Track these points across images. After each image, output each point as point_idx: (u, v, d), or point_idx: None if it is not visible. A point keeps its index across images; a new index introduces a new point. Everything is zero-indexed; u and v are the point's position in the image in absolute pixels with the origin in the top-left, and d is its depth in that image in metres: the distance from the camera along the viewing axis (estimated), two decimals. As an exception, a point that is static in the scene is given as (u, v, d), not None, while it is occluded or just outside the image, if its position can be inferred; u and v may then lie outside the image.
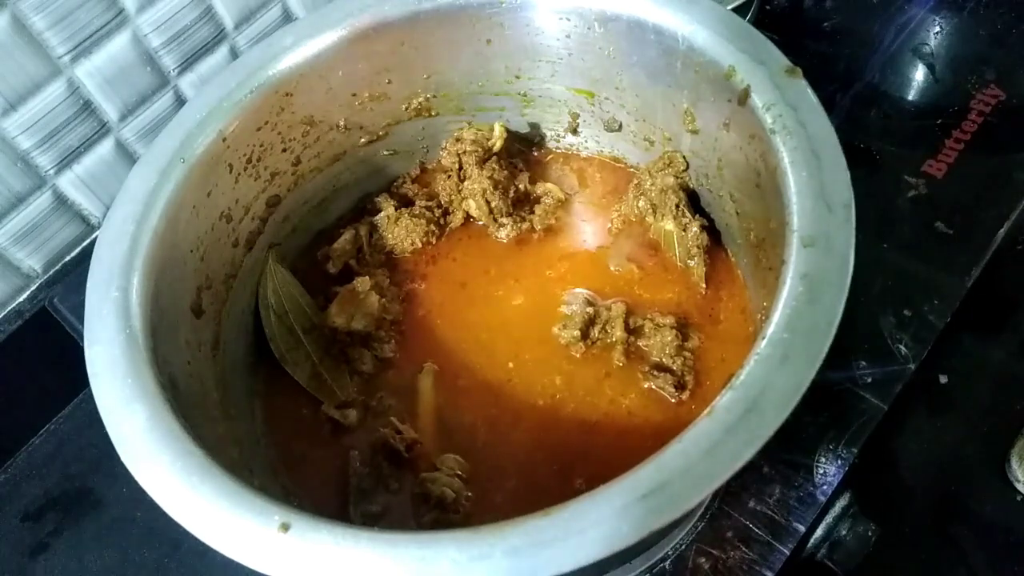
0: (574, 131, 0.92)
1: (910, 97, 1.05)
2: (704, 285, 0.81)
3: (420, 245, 0.88)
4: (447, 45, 0.85)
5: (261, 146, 0.80)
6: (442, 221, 0.90)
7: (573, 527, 0.50)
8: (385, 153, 0.91)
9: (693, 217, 0.81)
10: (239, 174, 0.79)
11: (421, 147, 0.93)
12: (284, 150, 0.83)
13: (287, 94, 0.80)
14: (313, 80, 0.81)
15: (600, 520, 0.50)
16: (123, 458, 0.58)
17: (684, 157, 0.82)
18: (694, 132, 0.80)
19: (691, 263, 0.81)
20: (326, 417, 0.79)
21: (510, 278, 0.86)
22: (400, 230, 0.88)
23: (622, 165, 0.92)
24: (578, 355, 0.79)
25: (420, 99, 0.89)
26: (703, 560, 0.77)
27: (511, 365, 0.80)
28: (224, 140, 0.76)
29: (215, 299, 0.77)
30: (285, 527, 0.52)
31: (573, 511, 0.50)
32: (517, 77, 0.88)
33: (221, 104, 0.77)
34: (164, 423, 0.59)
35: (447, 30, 0.84)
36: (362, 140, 0.89)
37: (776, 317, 0.56)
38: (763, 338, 0.56)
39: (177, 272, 0.72)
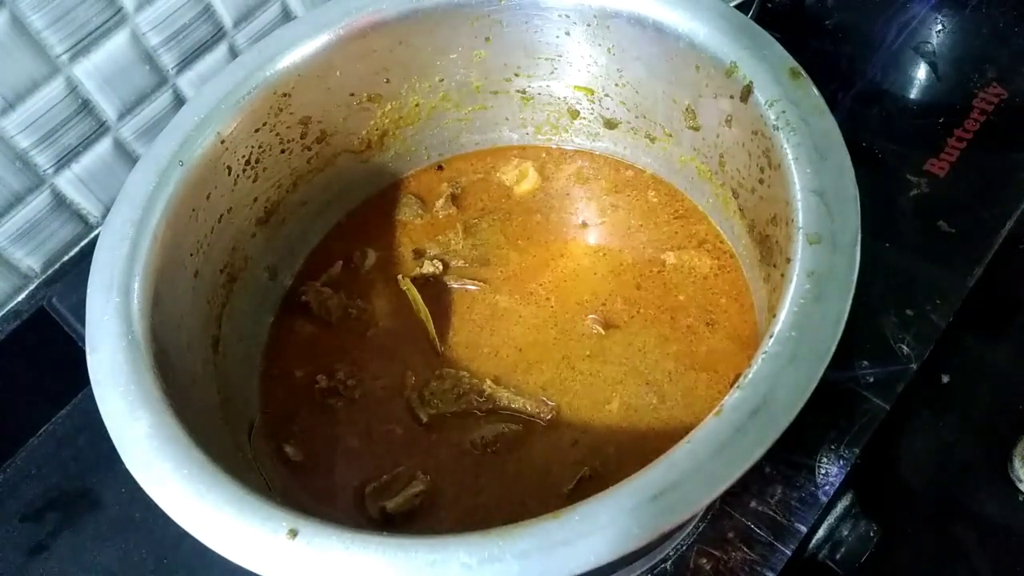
0: (573, 128, 0.92)
1: (912, 96, 1.04)
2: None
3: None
4: (445, 44, 0.85)
5: (259, 147, 0.80)
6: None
7: (584, 529, 0.50)
8: (384, 154, 0.91)
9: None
10: (238, 176, 0.79)
11: (421, 147, 0.93)
12: (283, 151, 0.83)
13: (285, 95, 0.80)
14: (311, 80, 0.81)
15: (611, 522, 0.50)
16: (128, 466, 0.58)
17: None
18: (695, 128, 0.80)
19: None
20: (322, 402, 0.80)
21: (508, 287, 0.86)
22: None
23: (622, 162, 0.91)
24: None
25: (418, 98, 0.88)
26: (704, 561, 0.77)
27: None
28: (222, 142, 0.76)
29: (215, 302, 0.77)
30: (293, 533, 0.52)
31: (584, 513, 0.50)
32: (516, 75, 0.88)
33: (219, 105, 0.76)
34: (168, 429, 0.59)
35: (445, 28, 0.83)
36: (360, 140, 0.88)
37: (783, 315, 0.56)
38: (770, 336, 0.56)
39: (177, 275, 0.72)
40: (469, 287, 0.85)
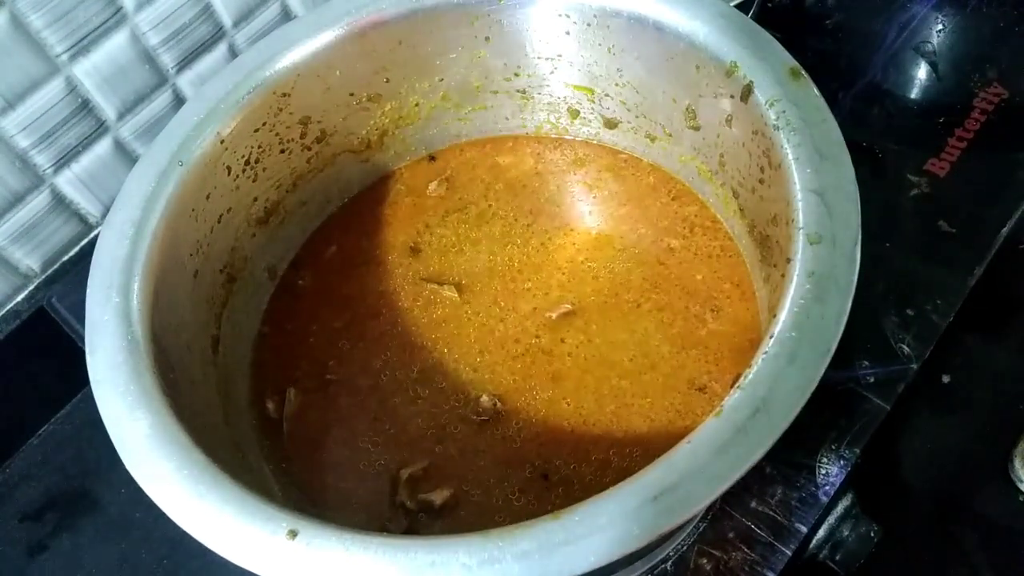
0: (574, 128, 0.92)
1: (912, 95, 1.04)
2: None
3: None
4: (445, 43, 0.85)
5: (259, 147, 0.80)
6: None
7: (584, 530, 0.50)
8: (384, 153, 0.91)
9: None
10: (237, 176, 0.79)
11: (420, 147, 0.93)
12: (282, 151, 0.83)
13: (284, 94, 0.80)
14: (311, 80, 0.81)
15: (611, 523, 0.49)
16: (128, 467, 0.58)
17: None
18: (695, 128, 0.80)
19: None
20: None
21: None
22: None
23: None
24: None
25: (418, 98, 0.88)
26: (704, 561, 0.77)
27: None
28: (222, 142, 0.76)
29: (215, 302, 0.77)
30: (293, 534, 0.52)
31: (583, 514, 0.50)
32: (516, 75, 0.88)
33: (219, 105, 0.76)
34: (168, 430, 0.59)
35: (445, 28, 0.83)
36: (360, 140, 0.88)
37: (783, 315, 0.56)
38: (770, 337, 0.56)
39: (177, 275, 0.71)
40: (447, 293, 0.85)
